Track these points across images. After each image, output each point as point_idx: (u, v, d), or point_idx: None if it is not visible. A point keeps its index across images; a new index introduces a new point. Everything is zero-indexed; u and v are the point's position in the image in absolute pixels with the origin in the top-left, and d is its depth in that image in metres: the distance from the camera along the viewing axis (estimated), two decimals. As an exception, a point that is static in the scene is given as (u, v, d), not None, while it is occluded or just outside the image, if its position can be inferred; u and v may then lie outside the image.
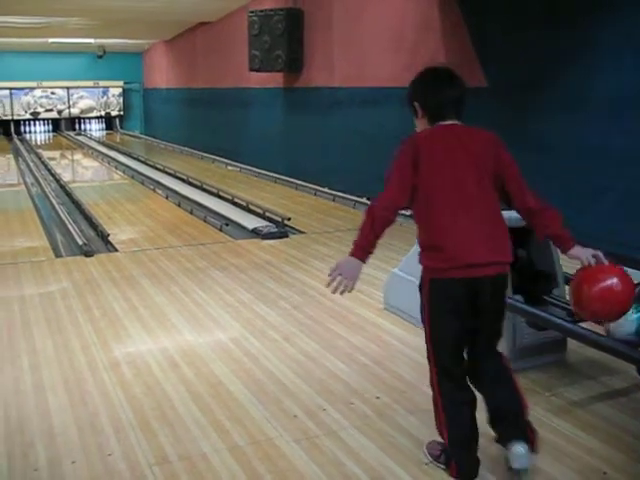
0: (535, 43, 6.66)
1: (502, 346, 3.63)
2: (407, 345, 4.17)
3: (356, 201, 8.78)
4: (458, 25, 7.64)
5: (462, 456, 2.76)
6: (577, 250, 2.67)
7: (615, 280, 2.66)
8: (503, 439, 2.76)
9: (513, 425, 2.72)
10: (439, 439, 2.85)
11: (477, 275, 2.65)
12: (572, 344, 3.84)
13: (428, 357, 2.80)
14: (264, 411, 3.35)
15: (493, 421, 2.79)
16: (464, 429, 2.75)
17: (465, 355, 2.81)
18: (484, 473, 2.77)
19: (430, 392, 2.84)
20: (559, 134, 6.55)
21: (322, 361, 3.95)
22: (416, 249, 4.43)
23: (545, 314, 3.59)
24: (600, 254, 2.66)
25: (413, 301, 4.42)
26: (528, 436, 2.70)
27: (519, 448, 2.65)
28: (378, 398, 3.48)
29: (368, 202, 8.57)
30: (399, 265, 4.72)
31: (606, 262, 2.66)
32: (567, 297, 3.24)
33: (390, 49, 8.97)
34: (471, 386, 2.80)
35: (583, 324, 3.27)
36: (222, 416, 3.30)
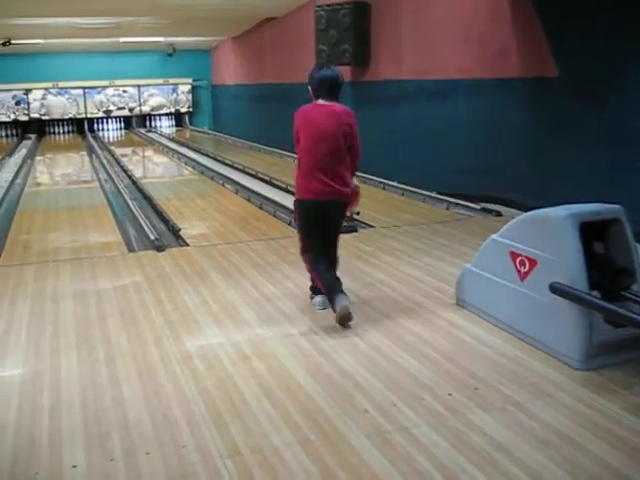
0: (611, 33, 6.47)
1: (577, 343, 3.57)
2: (479, 341, 4.10)
3: (425, 195, 8.69)
4: (529, 15, 7.47)
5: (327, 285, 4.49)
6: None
7: None
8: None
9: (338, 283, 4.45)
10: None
11: (322, 199, 4.46)
12: (652, 341, 3.71)
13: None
14: (335, 406, 3.34)
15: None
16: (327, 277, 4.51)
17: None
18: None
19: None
20: (637, 125, 6.35)
21: (393, 356, 3.91)
22: (489, 244, 4.39)
23: (623, 310, 3.48)
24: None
25: (486, 296, 4.38)
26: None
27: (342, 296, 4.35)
28: (450, 395, 3.43)
29: (438, 196, 8.52)
30: (472, 260, 4.64)
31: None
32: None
33: (459, 40, 8.84)
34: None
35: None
36: (293, 410, 3.31)
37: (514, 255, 4.12)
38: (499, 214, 7.61)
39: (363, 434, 3.07)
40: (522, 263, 4.05)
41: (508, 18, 7.98)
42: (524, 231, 4.13)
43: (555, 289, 3.72)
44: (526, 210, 4.41)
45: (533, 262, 3.97)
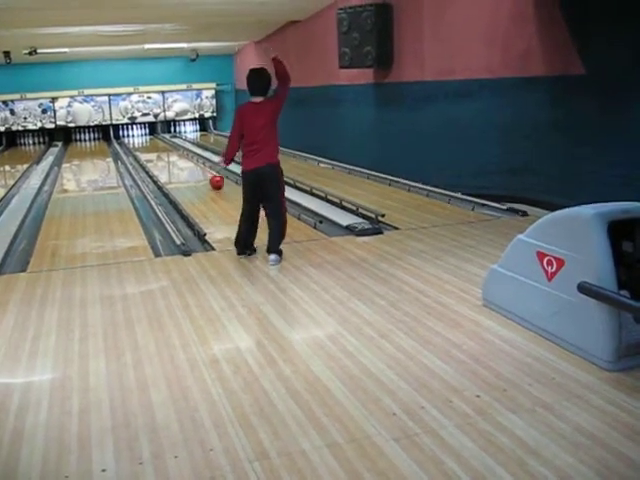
0: (638, 33, 6.40)
1: (606, 343, 3.53)
2: (507, 342, 4.07)
3: (451, 196, 8.65)
4: (554, 14, 7.42)
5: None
6: None
7: None
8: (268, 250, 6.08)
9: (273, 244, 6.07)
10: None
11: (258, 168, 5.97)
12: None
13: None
14: (362, 409, 3.33)
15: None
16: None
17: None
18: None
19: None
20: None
21: (420, 358, 3.90)
22: (515, 244, 4.36)
23: (654, 310, 3.44)
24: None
25: (513, 297, 4.35)
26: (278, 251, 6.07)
27: (273, 255, 6.00)
28: (478, 396, 3.41)
29: (463, 197, 8.47)
30: (499, 261, 4.60)
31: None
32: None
33: (483, 40, 8.81)
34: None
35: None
36: (320, 413, 3.30)
37: (541, 255, 4.08)
38: (525, 214, 7.55)
39: (391, 437, 3.06)
40: (549, 263, 4.01)
41: (532, 17, 7.94)
42: (551, 231, 4.10)
43: (583, 289, 3.68)
44: (553, 210, 4.37)
45: (560, 262, 3.93)
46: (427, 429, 3.12)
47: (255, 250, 6.39)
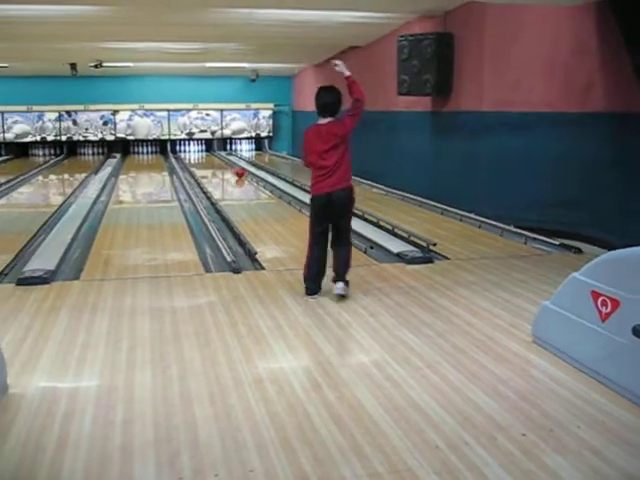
0: None
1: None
2: (556, 381, 3.99)
3: (503, 228, 8.55)
4: (618, 49, 7.32)
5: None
6: None
7: None
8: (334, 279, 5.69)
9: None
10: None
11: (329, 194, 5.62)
12: None
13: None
14: (405, 439, 3.29)
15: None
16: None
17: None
18: None
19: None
20: None
21: (466, 392, 3.84)
22: (570, 282, 4.28)
23: None
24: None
25: (565, 336, 4.27)
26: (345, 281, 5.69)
27: (340, 284, 5.62)
28: (524, 435, 3.34)
29: (516, 230, 8.37)
30: (551, 298, 4.52)
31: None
32: None
33: (543, 73, 8.73)
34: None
35: None
36: (363, 441, 3.27)
37: (595, 295, 4.00)
38: (579, 251, 7.42)
39: (433, 471, 3.01)
40: (604, 303, 3.93)
41: (595, 51, 7.84)
42: (607, 270, 4.01)
43: (638, 332, 3.59)
44: (608, 248, 4.29)
45: (616, 303, 3.85)
46: (470, 465, 3.06)
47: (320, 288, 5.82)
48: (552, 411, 3.60)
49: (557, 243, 7.72)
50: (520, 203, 9.05)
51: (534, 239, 7.99)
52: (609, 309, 3.89)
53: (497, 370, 4.16)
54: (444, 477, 2.96)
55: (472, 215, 9.39)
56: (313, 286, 5.74)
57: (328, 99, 5.65)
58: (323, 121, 5.66)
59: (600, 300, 3.96)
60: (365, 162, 14.65)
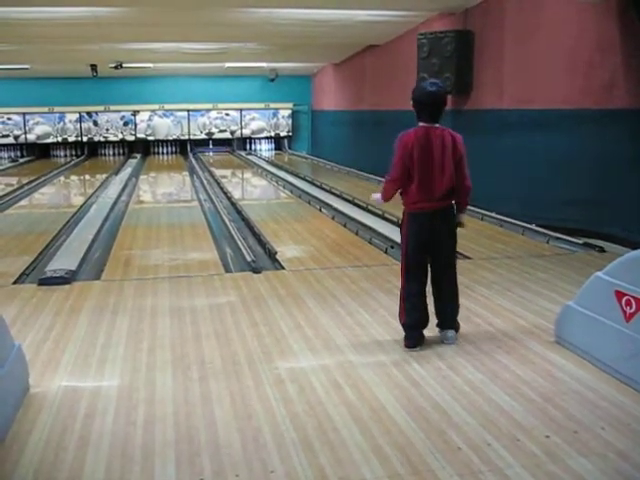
0: None
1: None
2: (580, 382, 3.94)
3: (524, 227, 8.48)
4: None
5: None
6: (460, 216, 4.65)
7: None
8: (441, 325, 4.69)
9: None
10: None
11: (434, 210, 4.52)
12: None
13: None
14: (426, 440, 3.26)
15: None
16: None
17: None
18: None
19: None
20: None
21: (488, 393, 3.80)
22: (593, 281, 4.23)
23: None
24: None
25: (588, 336, 4.21)
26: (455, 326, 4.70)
27: (450, 332, 4.63)
28: (547, 437, 3.30)
29: (538, 229, 8.29)
30: (574, 298, 4.47)
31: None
32: None
33: (564, 70, 8.65)
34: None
35: None
36: (384, 442, 3.25)
37: (620, 294, 3.95)
38: (602, 250, 7.33)
39: (455, 472, 2.98)
40: (628, 303, 3.88)
41: (617, 47, 7.76)
42: (632, 270, 3.96)
43: (664, 332, 3.54)
44: (631, 247, 4.23)
45: (640, 303, 3.80)
46: (493, 467, 3.03)
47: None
48: (576, 412, 3.56)
49: (580, 242, 7.64)
50: (541, 201, 8.98)
51: (556, 238, 7.92)
52: (634, 309, 3.84)
53: (519, 371, 4.11)
54: (466, 479, 2.93)
55: (493, 214, 9.33)
56: (414, 334, 4.59)
57: (434, 99, 4.86)
58: (428, 125, 4.86)
59: (624, 300, 3.91)
60: (383, 161, 14.61)
